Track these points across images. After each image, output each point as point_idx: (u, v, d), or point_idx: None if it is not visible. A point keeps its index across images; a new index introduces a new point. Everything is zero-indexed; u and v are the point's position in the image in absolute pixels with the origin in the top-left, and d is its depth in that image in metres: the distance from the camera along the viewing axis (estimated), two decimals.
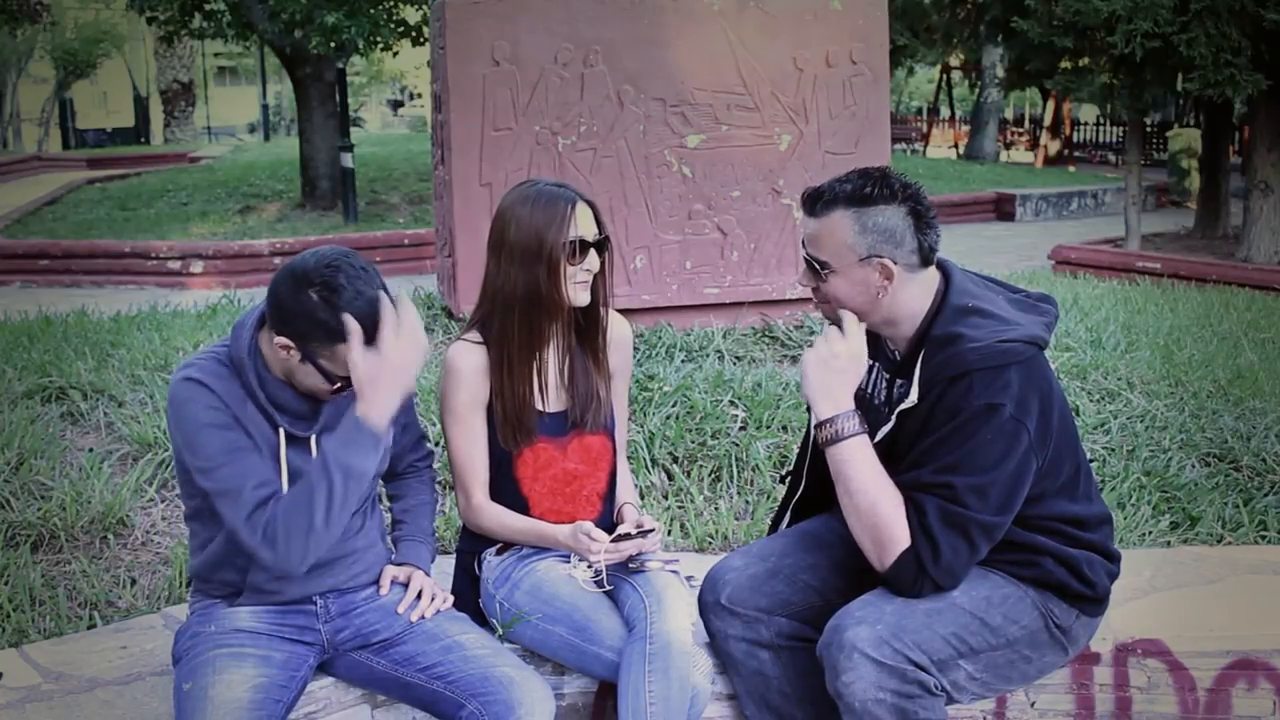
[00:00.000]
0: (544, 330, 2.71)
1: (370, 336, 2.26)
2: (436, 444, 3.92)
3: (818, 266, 2.42)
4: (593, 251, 2.68)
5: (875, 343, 2.56)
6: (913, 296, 2.42)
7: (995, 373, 2.30)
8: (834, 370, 2.41)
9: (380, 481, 2.71)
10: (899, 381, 2.46)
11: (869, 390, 2.57)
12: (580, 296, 2.70)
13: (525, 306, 2.68)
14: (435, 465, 2.90)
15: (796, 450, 2.93)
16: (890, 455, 2.42)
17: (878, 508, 2.36)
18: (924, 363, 2.36)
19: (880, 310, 2.42)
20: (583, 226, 2.66)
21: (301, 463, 2.42)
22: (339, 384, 2.35)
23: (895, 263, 2.37)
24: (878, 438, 2.44)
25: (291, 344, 2.32)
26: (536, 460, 2.75)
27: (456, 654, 2.46)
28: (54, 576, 3.34)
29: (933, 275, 2.45)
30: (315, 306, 2.26)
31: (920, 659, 2.33)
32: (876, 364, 2.57)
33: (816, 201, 2.43)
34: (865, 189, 2.38)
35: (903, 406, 2.38)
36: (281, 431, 2.41)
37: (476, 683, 2.40)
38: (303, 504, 2.27)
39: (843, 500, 2.40)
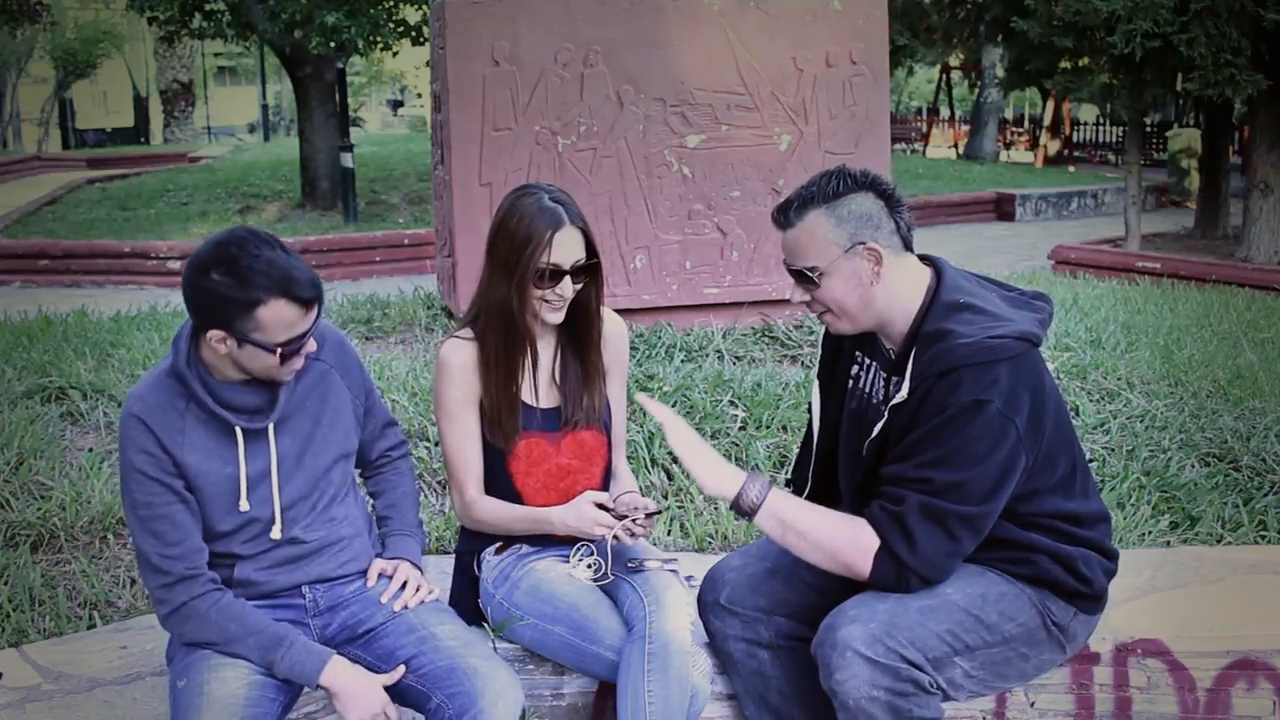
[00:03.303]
0: (521, 339, 2.71)
1: (288, 293, 2.28)
2: (436, 444, 3.92)
3: (808, 273, 2.42)
4: (567, 279, 2.65)
5: (872, 342, 2.56)
6: (903, 288, 2.41)
7: (984, 369, 2.29)
8: (700, 446, 2.49)
9: (358, 472, 2.71)
10: (894, 379, 2.46)
11: (867, 389, 2.57)
12: (551, 316, 2.69)
13: (501, 312, 2.69)
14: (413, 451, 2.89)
15: (797, 452, 2.93)
16: (883, 451, 2.42)
17: (832, 531, 2.39)
18: (915, 359, 2.36)
19: (875, 305, 2.42)
20: (560, 253, 2.63)
21: (261, 457, 2.43)
22: (280, 349, 2.33)
23: (880, 245, 2.37)
24: (873, 434, 2.44)
25: (222, 332, 2.31)
26: (529, 455, 2.74)
27: (429, 644, 2.46)
28: (54, 576, 3.34)
29: (921, 268, 2.46)
30: (220, 285, 2.27)
31: (914, 657, 2.32)
32: (874, 363, 2.57)
33: (788, 210, 2.43)
34: (830, 184, 2.40)
35: (894, 401, 2.38)
36: (238, 430, 2.41)
37: (444, 675, 2.39)
38: (224, 633, 2.38)
39: (797, 548, 2.42)
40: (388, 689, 2.47)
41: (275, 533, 2.47)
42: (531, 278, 2.63)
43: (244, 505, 2.42)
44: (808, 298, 2.46)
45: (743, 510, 2.43)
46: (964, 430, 2.27)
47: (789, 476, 2.99)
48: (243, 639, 2.37)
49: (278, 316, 2.29)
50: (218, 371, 2.39)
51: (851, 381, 2.62)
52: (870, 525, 2.36)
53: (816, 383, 2.71)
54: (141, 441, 2.34)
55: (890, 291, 2.41)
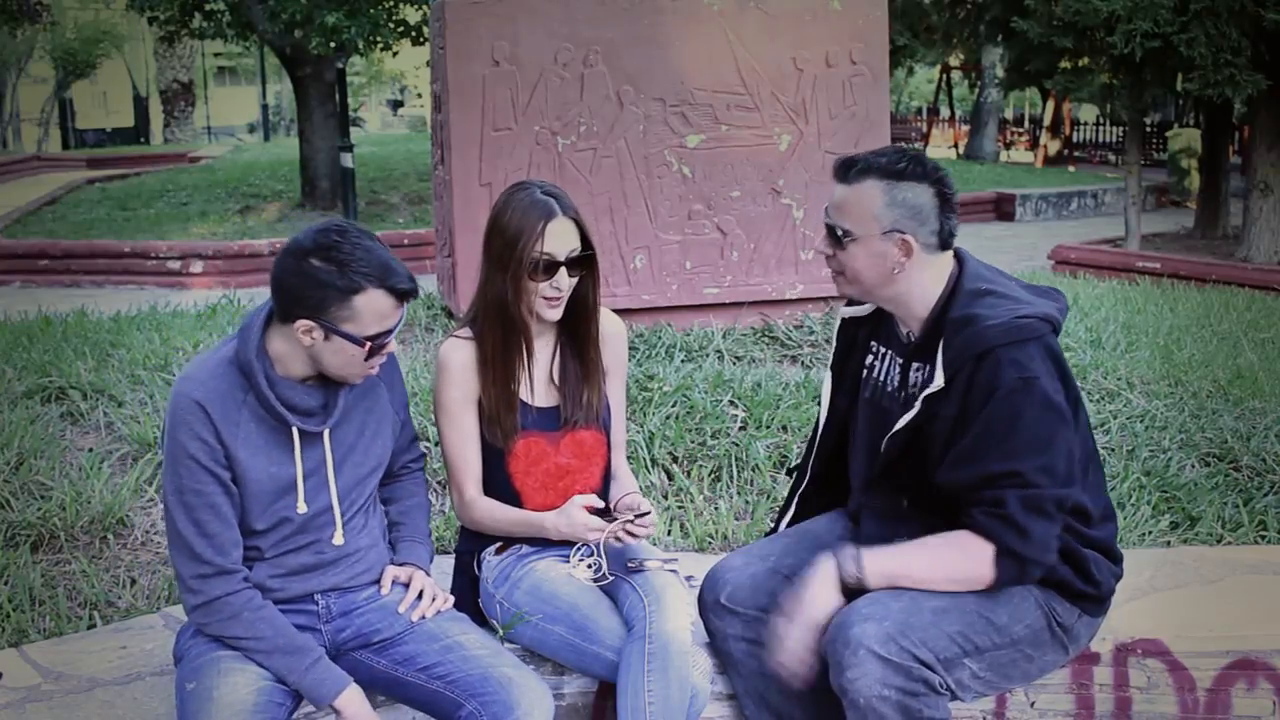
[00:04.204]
0: (518, 335, 2.71)
1: (385, 283, 2.30)
2: (435, 445, 3.92)
3: (840, 233, 2.44)
4: (563, 271, 2.65)
5: (888, 328, 2.58)
6: (927, 279, 2.44)
7: (1018, 347, 2.32)
8: (800, 597, 2.43)
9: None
10: (915, 364, 2.48)
11: (882, 378, 2.58)
12: (548, 313, 2.69)
13: (499, 310, 2.69)
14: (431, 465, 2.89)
15: (805, 444, 2.93)
16: (915, 441, 2.43)
17: (942, 559, 2.39)
18: (945, 346, 2.38)
19: (893, 286, 2.44)
20: (554, 243, 2.63)
21: (309, 460, 2.43)
22: (369, 343, 2.34)
23: (916, 240, 2.40)
24: (900, 424, 2.45)
25: (311, 322, 2.31)
26: (528, 455, 2.74)
27: (456, 654, 2.46)
28: (54, 576, 3.33)
29: (947, 260, 2.48)
30: (319, 271, 2.28)
31: (926, 657, 2.33)
32: (889, 350, 2.58)
33: (850, 168, 2.45)
34: (900, 164, 2.42)
35: (929, 391, 2.39)
36: (295, 431, 2.41)
37: (476, 683, 2.40)
38: (253, 631, 2.37)
39: (920, 586, 2.41)
40: (415, 696, 2.49)
41: (338, 538, 2.49)
42: (526, 269, 2.63)
43: (301, 507, 2.43)
44: (830, 252, 2.48)
45: (852, 588, 2.43)
46: (1024, 413, 2.30)
47: (790, 467, 2.98)
48: (270, 641, 2.37)
49: (373, 306, 2.31)
50: (283, 366, 2.39)
51: (866, 371, 2.64)
52: (975, 533, 2.36)
53: (829, 374, 2.73)
54: (198, 428, 2.33)
55: (911, 280, 2.44)
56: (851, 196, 2.43)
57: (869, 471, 2.56)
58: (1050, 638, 2.49)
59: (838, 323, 2.75)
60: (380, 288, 2.31)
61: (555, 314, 2.70)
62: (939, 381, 2.36)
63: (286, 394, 2.39)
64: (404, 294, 2.35)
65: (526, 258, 2.62)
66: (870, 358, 2.63)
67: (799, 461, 2.87)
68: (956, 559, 2.38)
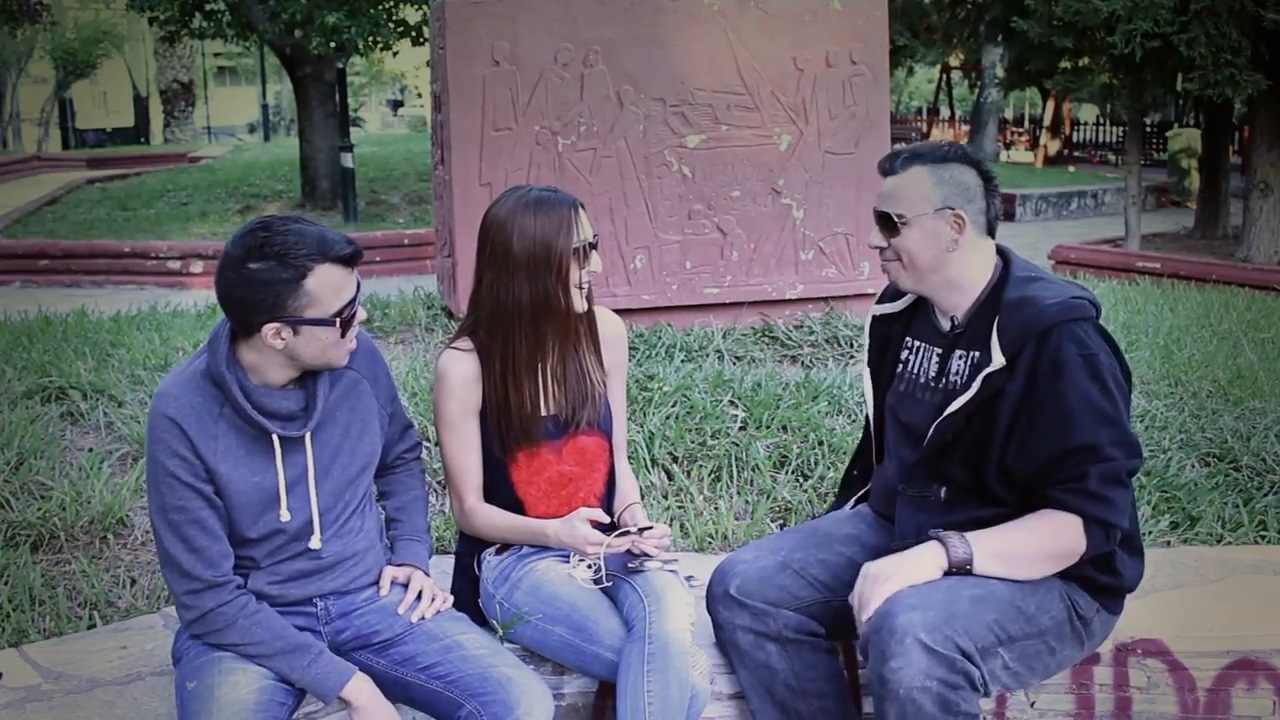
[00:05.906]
0: (548, 337, 2.70)
1: (329, 255, 2.28)
2: (435, 444, 3.92)
3: (894, 218, 2.50)
4: (594, 253, 2.68)
5: (924, 322, 2.63)
6: (976, 263, 2.52)
7: (1077, 324, 2.40)
8: (891, 567, 2.42)
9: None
10: (957, 352, 2.53)
11: (916, 371, 2.62)
12: (580, 303, 2.70)
13: (531, 316, 2.67)
14: (423, 456, 2.88)
15: (858, 443, 2.95)
16: (970, 424, 2.45)
17: (1039, 538, 2.41)
18: (1001, 328, 2.43)
19: (947, 268, 2.51)
20: (585, 229, 2.67)
21: (293, 466, 2.42)
22: (339, 318, 2.32)
23: (967, 216, 2.48)
24: (956, 405, 2.47)
25: (276, 324, 2.28)
26: (531, 464, 2.74)
27: (456, 654, 2.46)
28: (54, 576, 3.33)
29: (992, 248, 2.56)
30: (261, 272, 2.25)
31: (968, 647, 2.34)
32: (923, 344, 2.62)
33: (895, 160, 2.55)
34: (940, 150, 2.53)
35: (989, 370, 2.42)
36: (275, 438, 2.39)
37: (475, 682, 2.40)
38: (249, 637, 2.36)
39: (1018, 573, 2.43)
40: (415, 696, 2.49)
41: (315, 542, 2.47)
42: (573, 259, 2.64)
43: (284, 515, 2.41)
44: (884, 244, 2.55)
45: (962, 569, 2.43)
46: (1091, 386, 2.36)
47: (854, 470, 2.97)
48: (269, 644, 2.36)
49: (326, 282, 2.29)
50: (258, 374, 2.36)
51: (901, 366, 2.68)
52: (1058, 507, 2.39)
53: (867, 371, 2.77)
54: (175, 445, 2.31)
55: (963, 261, 2.51)
56: (901, 183, 2.52)
57: (914, 456, 2.58)
58: (1070, 631, 2.52)
59: (868, 320, 2.79)
60: (325, 262, 2.28)
61: (585, 304, 2.71)
62: (998, 360, 2.41)
63: (263, 401, 2.36)
64: (350, 258, 2.32)
65: (569, 249, 2.63)
66: (905, 352, 2.68)
67: (860, 462, 2.89)
68: (1051, 535, 2.41)
